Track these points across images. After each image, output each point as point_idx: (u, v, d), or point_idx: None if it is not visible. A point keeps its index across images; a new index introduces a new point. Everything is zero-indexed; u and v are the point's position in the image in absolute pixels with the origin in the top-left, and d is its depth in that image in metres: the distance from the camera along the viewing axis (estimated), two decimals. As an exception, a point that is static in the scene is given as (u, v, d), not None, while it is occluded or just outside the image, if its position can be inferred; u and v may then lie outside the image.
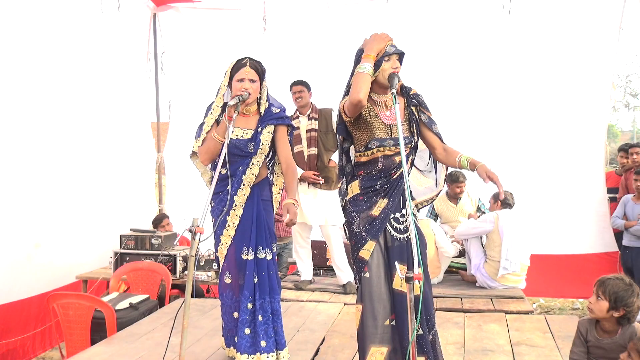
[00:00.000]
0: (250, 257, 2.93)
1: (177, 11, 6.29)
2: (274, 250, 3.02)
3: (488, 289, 4.63)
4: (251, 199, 2.95)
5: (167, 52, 6.35)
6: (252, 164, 2.93)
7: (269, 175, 3.09)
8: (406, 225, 2.61)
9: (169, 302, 4.43)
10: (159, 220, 5.68)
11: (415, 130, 2.70)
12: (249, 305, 2.91)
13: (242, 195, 2.93)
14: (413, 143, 2.71)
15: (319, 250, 5.19)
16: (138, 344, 3.38)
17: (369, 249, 2.60)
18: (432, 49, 5.63)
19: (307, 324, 3.77)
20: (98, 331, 3.52)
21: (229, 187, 2.90)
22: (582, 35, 5.31)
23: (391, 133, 2.64)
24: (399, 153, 2.59)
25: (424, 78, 5.46)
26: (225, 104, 2.95)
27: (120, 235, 5.04)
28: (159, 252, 4.87)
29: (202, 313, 4.06)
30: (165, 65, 6.38)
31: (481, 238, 4.88)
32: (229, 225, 2.95)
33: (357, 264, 2.64)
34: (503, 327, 3.70)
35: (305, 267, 4.84)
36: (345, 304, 4.27)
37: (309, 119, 4.64)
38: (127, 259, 4.87)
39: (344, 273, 4.70)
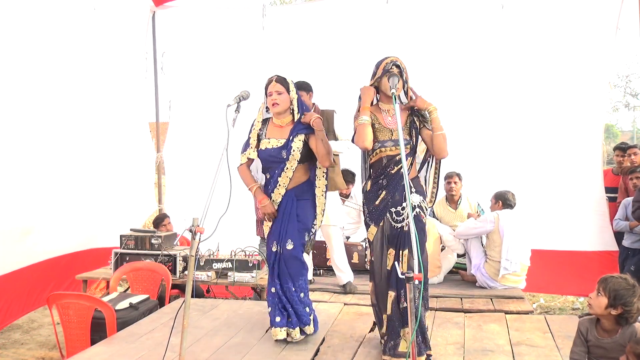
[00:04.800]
0: (278, 249, 3.37)
1: (176, 10, 6.29)
2: (304, 240, 3.40)
3: (488, 289, 4.63)
4: (287, 199, 3.36)
5: (166, 52, 6.34)
6: (287, 168, 3.35)
7: (311, 179, 3.45)
8: (403, 218, 3.09)
9: (169, 302, 4.43)
10: (160, 220, 5.68)
11: (414, 135, 3.16)
12: (272, 290, 3.39)
13: (277, 195, 3.38)
14: (411, 144, 3.16)
15: (319, 250, 5.19)
16: (138, 344, 3.37)
17: (372, 232, 3.20)
18: (432, 49, 5.64)
19: (307, 324, 3.77)
20: (98, 331, 3.51)
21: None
22: (580, 35, 5.32)
23: (392, 136, 3.13)
24: (399, 153, 3.00)
25: (423, 77, 5.46)
26: (266, 120, 3.47)
27: (120, 235, 5.03)
28: (159, 252, 4.86)
29: (202, 313, 4.06)
30: (165, 65, 6.38)
31: (481, 238, 4.89)
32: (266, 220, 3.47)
33: (369, 244, 3.29)
34: (503, 327, 3.70)
35: (305, 267, 4.84)
36: (345, 304, 4.27)
37: (310, 119, 4.64)
38: (127, 259, 4.86)
39: (344, 274, 4.70)
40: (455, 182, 5.33)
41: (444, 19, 5.64)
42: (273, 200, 3.38)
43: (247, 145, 3.47)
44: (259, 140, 3.46)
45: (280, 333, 3.35)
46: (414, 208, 3.03)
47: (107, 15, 5.68)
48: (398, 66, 3.09)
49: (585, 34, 5.29)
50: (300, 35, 5.95)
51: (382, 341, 3.24)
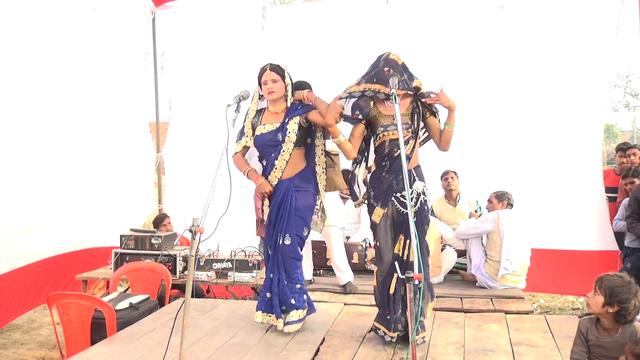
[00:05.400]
0: (277, 241, 3.45)
1: (176, 10, 6.29)
2: (303, 235, 3.48)
3: (488, 289, 4.63)
4: (287, 188, 3.41)
5: (166, 52, 6.34)
6: (283, 151, 3.41)
7: (310, 166, 3.54)
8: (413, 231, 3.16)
9: (169, 302, 4.43)
10: (160, 220, 5.68)
11: (415, 120, 3.29)
12: (271, 275, 3.51)
13: (274, 177, 3.45)
14: (413, 128, 3.28)
15: (319, 250, 5.19)
16: (138, 344, 3.37)
17: (378, 215, 3.31)
18: (432, 49, 5.64)
19: (307, 324, 3.76)
20: (98, 331, 3.51)
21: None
22: (580, 36, 5.32)
23: (393, 120, 3.22)
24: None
25: (423, 77, 5.46)
26: (261, 110, 3.53)
27: (120, 235, 5.04)
28: (159, 252, 4.87)
29: (202, 313, 4.06)
30: (165, 65, 6.38)
31: (481, 238, 4.88)
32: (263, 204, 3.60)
33: (372, 228, 3.38)
34: (503, 327, 3.70)
35: (305, 267, 4.83)
36: (345, 304, 4.27)
37: (309, 119, 4.63)
38: (127, 259, 4.87)
39: (344, 274, 4.69)
40: (452, 178, 5.39)
41: (444, 19, 5.64)
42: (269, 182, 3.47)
43: (242, 133, 3.55)
44: (254, 129, 3.51)
45: (264, 318, 3.56)
46: (418, 195, 3.26)
47: (107, 15, 5.68)
48: (395, 65, 3.25)
49: (586, 34, 5.29)
50: (300, 35, 5.95)
51: (376, 326, 3.42)
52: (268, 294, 3.54)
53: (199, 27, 6.23)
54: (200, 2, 6.21)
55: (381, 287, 3.37)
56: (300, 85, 4.56)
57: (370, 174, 3.42)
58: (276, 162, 3.42)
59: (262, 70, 3.43)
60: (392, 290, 3.29)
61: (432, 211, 5.52)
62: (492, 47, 5.55)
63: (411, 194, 3.22)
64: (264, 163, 3.50)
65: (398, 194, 3.26)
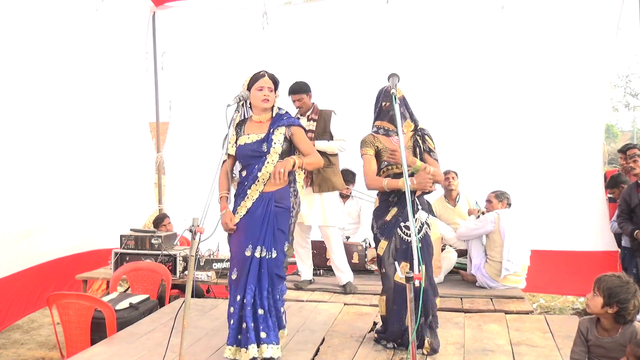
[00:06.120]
0: (254, 254, 3.12)
1: (176, 10, 6.30)
2: (283, 250, 3.20)
3: (488, 289, 4.62)
4: (267, 204, 3.16)
5: (166, 52, 6.35)
6: (268, 162, 3.17)
7: (291, 185, 3.29)
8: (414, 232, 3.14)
9: (169, 302, 4.44)
10: (160, 220, 5.69)
11: (418, 154, 3.33)
12: (248, 299, 3.08)
13: (255, 191, 3.18)
14: None
15: (319, 250, 5.19)
16: (138, 344, 3.38)
17: (382, 247, 3.31)
18: (432, 49, 5.65)
19: (307, 324, 3.77)
20: (98, 331, 3.52)
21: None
22: (580, 35, 5.32)
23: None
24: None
25: (423, 77, 5.49)
26: (246, 119, 3.31)
27: (120, 235, 5.04)
28: (159, 252, 4.87)
29: (202, 313, 4.06)
30: (165, 65, 6.38)
31: (482, 238, 4.88)
32: (236, 213, 3.21)
33: (377, 260, 3.40)
34: (503, 327, 3.70)
35: (305, 267, 4.83)
36: (345, 304, 4.27)
37: (308, 119, 4.60)
38: (127, 259, 4.87)
39: (344, 274, 4.69)
40: (452, 178, 5.40)
41: (444, 19, 5.64)
42: (248, 197, 3.16)
43: (226, 142, 3.28)
44: (237, 137, 3.27)
45: (238, 354, 3.05)
46: (422, 225, 3.29)
47: (108, 15, 5.69)
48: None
49: (586, 34, 5.29)
50: (300, 35, 5.95)
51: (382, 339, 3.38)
52: (244, 324, 3.05)
53: (199, 27, 6.24)
54: (201, 2, 6.21)
55: (391, 317, 3.28)
56: (301, 87, 4.57)
57: (374, 209, 3.40)
58: (259, 175, 3.15)
59: (260, 76, 3.23)
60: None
61: (432, 211, 5.52)
62: (493, 48, 5.55)
63: (415, 221, 3.18)
64: (244, 174, 3.22)
65: (402, 224, 3.25)
